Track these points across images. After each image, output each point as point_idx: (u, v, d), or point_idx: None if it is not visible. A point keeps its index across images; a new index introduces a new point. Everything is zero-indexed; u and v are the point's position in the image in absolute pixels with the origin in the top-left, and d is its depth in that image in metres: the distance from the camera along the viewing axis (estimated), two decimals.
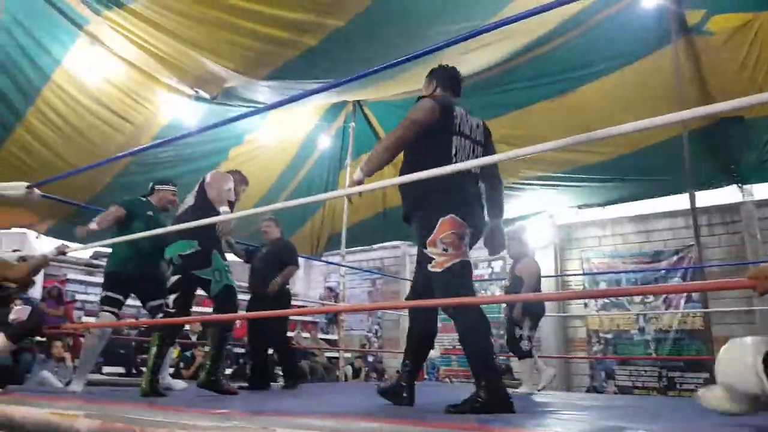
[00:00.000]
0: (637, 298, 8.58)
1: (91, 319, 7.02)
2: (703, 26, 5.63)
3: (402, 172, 2.55)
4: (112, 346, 5.90)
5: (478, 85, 6.37)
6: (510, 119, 6.75)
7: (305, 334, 9.61)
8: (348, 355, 9.36)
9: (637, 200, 8.14)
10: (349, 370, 8.94)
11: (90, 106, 5.64)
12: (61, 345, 6.13)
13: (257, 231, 5.31)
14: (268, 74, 5.42)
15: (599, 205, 8.44)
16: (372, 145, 2.91)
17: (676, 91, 5.54)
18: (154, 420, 1.82)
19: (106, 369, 6.49)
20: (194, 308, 4.25)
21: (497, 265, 9.68)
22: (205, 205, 3.50)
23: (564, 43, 5.82)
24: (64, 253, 3.48)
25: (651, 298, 8.45)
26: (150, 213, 4.01)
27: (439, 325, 2.87)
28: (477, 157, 2.65)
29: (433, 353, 8.66)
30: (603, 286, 8.66)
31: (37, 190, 3.78)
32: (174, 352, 6.36)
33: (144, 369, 3.73)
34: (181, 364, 6.98)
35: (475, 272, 9.88)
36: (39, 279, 6.80)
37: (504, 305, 5.82)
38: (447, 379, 9.85)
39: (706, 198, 7.58)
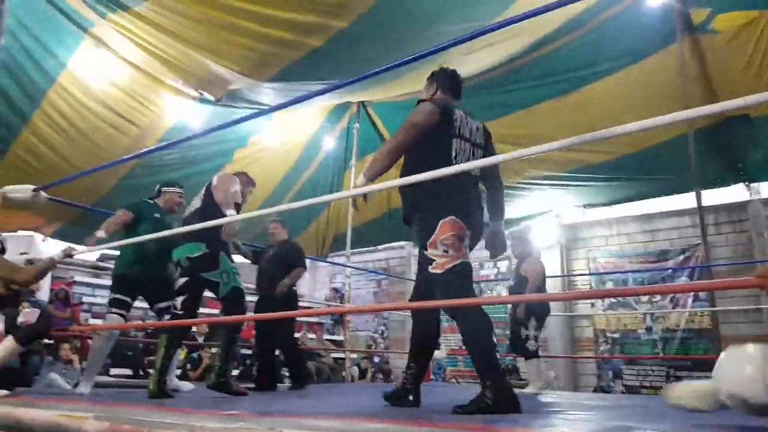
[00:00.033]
0: (645, 298, 8.54)
1: (98, 322, 7.05)
2: (709, 25, 5.61)
3: (402, 175, 2.55)
4: (120, 347, 5.93)
5: (482, 84, 6.36)
6: (515, 119, 6.74)
7: (311, 335, 9.61)
8: (354, 355, 9.35)
9: (643, 199, 8.11)
10: (355, 370, 8.94)
11: (95, 109, 5.66)
12: (69, 347, 6.15)
13: (263, 232, 5.33)
14: (273, 76, 5.44)
15: (605, 204, 8.41)
16: (376, 146, 2.92)
17: (681, 90, 5.51)
18: (162, 422, 1.83)
19: (113, 371, 6.51)
20: (200, 310, 4.25)
21: (503, 265, 9.66)
22: (212, 208, 3.51)
23: (569, 43, 5.81)
24: (70, 256, 3.50)
25: (658, 297, 8.42)
26: (157, 215, 4.03)
27: (445, 325, 2.87)
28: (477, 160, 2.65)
29: (440, 354, 8.70)
30: (610, 285, 8.63)
31: (43, 193, 3.80)
32: (181, 354, 6.38)
33: (151, 371, 3.75)
34: (188, 366, 7.00)
35: (481, 272, 9.89)
36: (46, 281, 6.85)
37: (510, 305, 5.82)
38: (454, 380, 9.84)
39: (713, 197, 7.54)
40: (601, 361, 8.77)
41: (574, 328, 9.11)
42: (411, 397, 2.67)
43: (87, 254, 4.13)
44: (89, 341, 6.59)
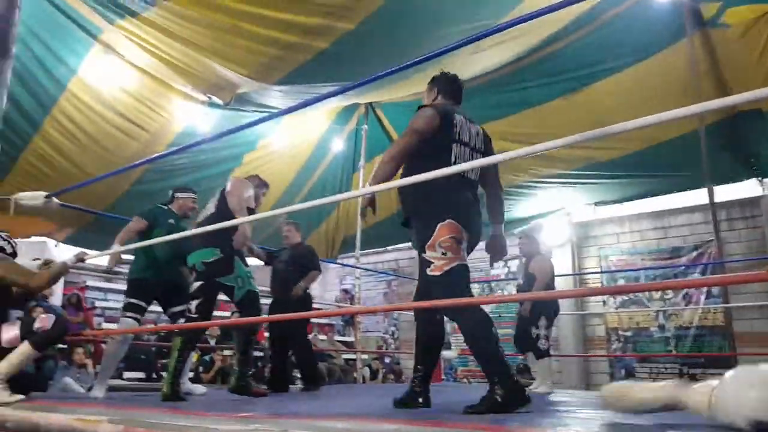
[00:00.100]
0: (657, 295, 8.48)
1: (112, 326, 7.10)
2: (719, 19, 5.55)
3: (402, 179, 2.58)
4: (133, 351, 5.97)
5: (491, 83, 6.34)
6: (524, 117, 6.71)
7: (322, 337, 9.63)
8: (365, 356, 9.36)
9: (654, 196, 8.05)
10: (366, 371, 8.94)
11: (105, 115, 5.70)
12: (82, 351, 6.20)
13: (275, 233, 5.36)
14: (281, 79, 5.45)
15: (616, 201, 8.36)
16: (385, 147, 2.93)
17: (692, 85, 5.47)
18: (176, 424, 1.84)
19: (126, 374, 6.56)
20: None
21: (513, 264, 9.62)
22: (225, 213, 3.54)
23: (577, 40, 5.77)
24: (83, 261, 3.53)
25: (670, 294, 8.35)
26: (171, 221, 4.06)
27: (455, 325, 2.87)
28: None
29: (451, 354, 8.69)
30: (622, 283, 8.59)
31: (55, 199, 3.84)
32: (193, 357, 6.42)
33: (164, 374, 3.78)
34: (201, 369, 7.03)
35: (492, 272, 9.86)
36: (59, 286, 6.91)
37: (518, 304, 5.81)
38: (465, 380, 9.82)
39: (725, 192, 7.47)
40: (614, 359, 8.72)
41: (586, 326, 9.06)
42: (421, 399, 2.68)
43: (99, 259, 4.17)
44: (102, 345, 6.66)
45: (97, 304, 7.93)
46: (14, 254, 3.27)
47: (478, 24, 4.79)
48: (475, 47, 4.93)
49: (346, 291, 11.10)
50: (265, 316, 4.40)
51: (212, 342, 7.51)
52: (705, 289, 8.00)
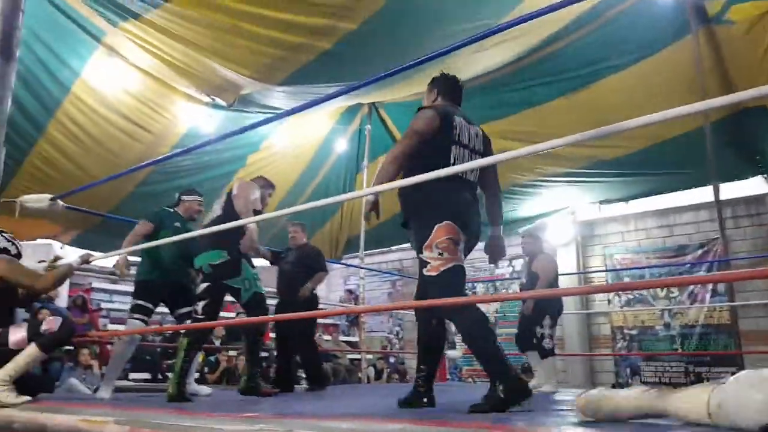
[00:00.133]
0: (662, 294, 8.46)
1: (117, 327, 7.13)
2: (724, 15, 5.52)
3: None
4: (139, 352, 5.98)
5: (493, 83, 6.33)
6: (527, 117, 6.70)
7: (326, 337, 9.64)
8: (370, 356, 9.36)
9: (659, 194, 8.02)
10: (371, 371, 8.95)
11: (109, 117, 5.72)
12: (88, 353, 6.23)
13: (279, 233, 5.37)
14: (284, 79, 5.45)
15: (621, 200, 8.33)
16: (388, 147, 2.94)
17: (697, 82, 5.44)
18: (181, 425, 1.85)
19: (132, 375, 6.58)
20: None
21: (518, 264, 9.61)
22: (232, 216, 3.55)
23: (580, 39, 5.75)
24: (88, 262, 3.55)
25: (676, 293, 8.33)
26: (177, 224, 4.07)
27: None
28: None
29: (456, 353, 8.69)
30: (626, 281, 8.57)
31: (60, 202, 3.86)
32: (199, 357, 6.44)
33: (170, 374, 3.80)
34: (206, 369, 7.05)
35: (496, 271, 9.85)
36: (64, 288, 6.94)
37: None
38: (470, 379, 9.81)
39: (731, 190, 7.44)
40: (619, 358, 8.70)
41: (591, 325, 9.05)
42: (425, 399, 2.69)
43: (105, 260, 4.19)
44: (108, 347, 6.68)
45: (103, 305, 7.95)
46: (19, 255, 3.28)
47: (479, 23, 4.78)
48: (477, 46, 4.92)
49: (350, 291, 11.11)
50: (270, 316, 4.42)
51: (217, 343, 7.53)
52: (710, 287, 7.98)
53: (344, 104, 7.23)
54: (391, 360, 10.29)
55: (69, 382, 5.58)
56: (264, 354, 7.30)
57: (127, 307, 4.21)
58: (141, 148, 6.08)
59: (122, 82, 5.56)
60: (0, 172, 3.41)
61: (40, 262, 5.53)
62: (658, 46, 5.83)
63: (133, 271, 4.23)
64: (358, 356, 8.82)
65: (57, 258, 3.59)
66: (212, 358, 7.27)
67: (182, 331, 3.79)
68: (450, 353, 7.75)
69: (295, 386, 5.16)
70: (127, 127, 5.89)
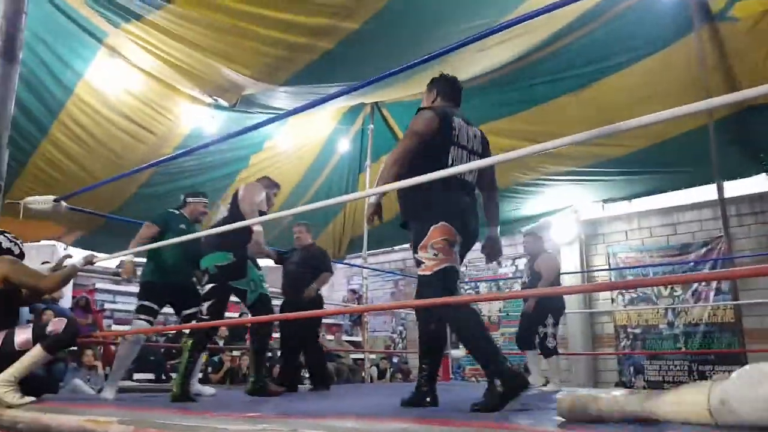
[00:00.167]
0: (666, 292, 8.43)
1: (120, 328, 7.14)
2: (728, 12, 5.49)
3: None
4: (143, 352, 5.99)
5: (497, 81, 6.32)
6: (531, 115, 6.69)
7: (330, 337, 9.65)
8: (373, 356, 9.37)
9: (663, 192, 8.00)
10: (374, 371, 8.95)
11: (112, 118, 5.73)
12: (92, 353, 6.23)
13: (282, 233, 5.38)
14: (286, 80, 5.46)
15: (625, 198, 8.31)
16: (391, 147, 2.95)
17: (700, 80, 5.42)
18: (185, 425, 1.85)
19: (136, 375, 6.59)
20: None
21: (521, 263, 9.60)
22: (238, 218, 3.58)
23: (583, 36, 5.73)
24: (92, 263, 3.56)
25: (680, 291, 8.31)
26: (183, 226, 4.09)
27: None
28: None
29: (459, 353, 8.67)
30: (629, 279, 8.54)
31: (64, 203, 3.87)
32: (202, 357, 6.46)
33: (173, 375, 3.82)
34: (209, 369, 7.06)
35: (500, 270, 9.85)
36: (68, 289, 6.95)
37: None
38: (473, 378, 9.80)
39: (735, 188, 7.42)
40: (622, 357, 8.68)
41: (595, 324, 9.03)
42: (428, 398, 2.69)
43: (108, 261, 4.21)
44: (112, 347, 6.69)
45: (107, 306, 7.97)
46: (22, 255, 3.29)
47: (482, 22, 4.78)
48: (480, 45, 4.92)
49: (353, 291, 11.11)
50: (274, 315, 4.44)
51: (221, 343, 7.55)
52: (714, 285, 7.95)
53: (346, 104, 7.23)
54: (395, 360, 10.29)
55: (73, 382, 5.58)
56: (268, 354, 7.32)
57: (131, 307, 4.23)
58: (144, 149, 6.09)
59: (125, 84, 5.57)
60: (4, 174, 3.42)
61: (44, 263, 5.55)
62: (662, 43, 5.81)
63: (138, 271, 4.25)
64: (361, 356, 8.83)
65: (66, 257, 3.59)
66: (216, 358, 7.28)
67: (187, 332, 3.80)
68: (454, 353, 7.74)
69: (299, 386, 5.17)
70: (130, 128, 5.90)
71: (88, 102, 5.48)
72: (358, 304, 9.52)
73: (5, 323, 3.04)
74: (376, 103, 7.67)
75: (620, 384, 8.42)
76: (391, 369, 9.77)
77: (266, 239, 4.91)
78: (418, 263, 2.59)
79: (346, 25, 4.69)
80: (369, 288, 8.25)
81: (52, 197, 3.83)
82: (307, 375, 6.14)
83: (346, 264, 9.49)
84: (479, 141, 2.83)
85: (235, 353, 7.40)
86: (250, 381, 3.85)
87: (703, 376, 7.85)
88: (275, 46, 4.91)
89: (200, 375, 5.32)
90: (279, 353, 5.25)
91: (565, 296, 5.83)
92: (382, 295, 11.23)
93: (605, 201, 8.56)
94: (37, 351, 2.92)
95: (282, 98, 6.02)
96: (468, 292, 10.02)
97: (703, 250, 8.21)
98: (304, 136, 7.50)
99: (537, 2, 4.29)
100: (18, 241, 3.31)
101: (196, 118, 6.16)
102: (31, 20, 3.88)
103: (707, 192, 7.32)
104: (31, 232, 6.19)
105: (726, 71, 5.97)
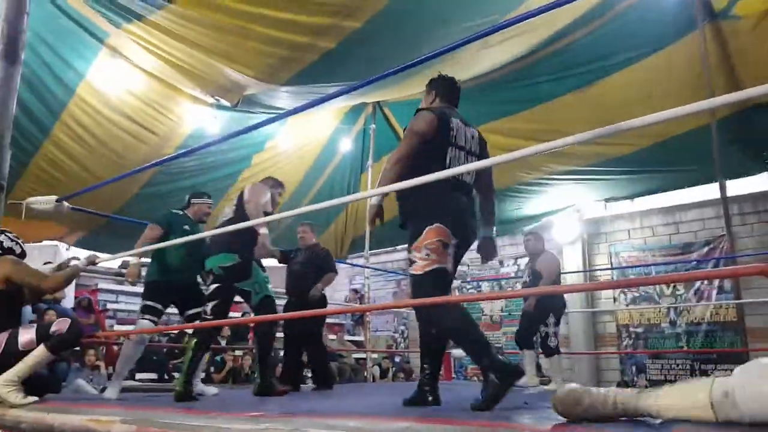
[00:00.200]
0: (668, 291, 8.42)
1: (123, 328, 7.15)
2: (730, 10, 5.48)
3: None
4: (145, 352, 6.01)
5: (500, 80, 6.32)
6: (534, 114, 6.68)
7: (332, 336, 9.65)
8: (375, 355, 9.37)
9: (665, 191, 7.99)
10: (376, 370, 8.95)
11: (114, 119, 5.74)
12: (94, 353, 6.24)
13: (284, 233, 5.38)
14: (288, 79, 5.46)
15: (627, 197, 8.30)
16: (393, 146, 2.95)
17: (704, 78, 5.41)
18: (188, 424, 1.85)
19: (139, 375, 6.60)
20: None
21: (523, 262, 9.59)
22: (243, 219, 3.58)
23: (587, 35, 5.72)
24: (94, 263, 3.56)
25: (682, 290, 8.30)
26: (186, 227, 4.09)
27: None
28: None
29: (461, 352, 8.67)
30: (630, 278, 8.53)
31: (66, 203, 3.87)
32: (205, 357, 6.46)
33: (176, 374, 3.83)
34: (212, 369, 7.06)
35: (502, 270, 9.84)
36: (70, 289, 6.96)
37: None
38: (475, 378, 9.79)
39: (737, 187, 7.40)
40: (625, 356, 8.67)
41: (597, 323, 9.02)
42: (430, 397, 2.70)
43: (111, 261, 4.22)
44: (114, 347, 6.70)
45: (109, 306, 7.98)
46: (23, 254, 3.30)
47: (485, 20, 4.77)
48: (483, 43, 4.91)
49: (355, 291, 11.11)
50: (278, 315, 4.45)
51: (223, 343, 7.55)
52: (716, 284, 7.94)
53: (348, 104, 7.23)
54: (397, 359, 10.29)
55: (76, 382, 5.59)
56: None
57: (133, 307, 4.25)
58: (146, 150, 6.09)
59: (126, 84, 5.58)
60: (6, 175, 3.42)
61: (46, 263, 5.56)
62: (665, 42, 5.80)
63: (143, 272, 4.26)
64: (363, 355, 8.83)
65: (72, 259, 3.60)
66: (218, 358, 7.28)
67: (190, 331, 3.81)
68: (455, 352, 7.74)
69: (301, 385, 5.17)
70: (132, 128, 5.91)
71: (89, 102, 5.49)
72: (360, 303, 9.52)
73: (8, 323, 3.04)
74: (378, 102, 7.67)
75: (622, 383, 8.41)
76: (393, 368, 9.77)
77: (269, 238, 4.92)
78: (411, 262, 2.62)
79: (347, 24, 4.69)
80: (371, 288, 8.25)
81: (54, 197, 3.83)
82: (309, 374, 6.14)
83: (348, 264, 9.48)
84: (477, 142, 2.84)
85: (238, 353, 7.40)
86: (256, 382, 3.87)
87: (705, 375, 7.80)
88: (277, 46, 4.91)
89: (203, 375, 5.33)
90: (282, 352, 5.25)
91: (567, 295, 5.83)
92: (384, 294, 11.23)
93: (608, 200, 8.56)
94: (40, 351, 2.92)
95: (284, 98, 6.02)
96: (470, 291, 10.02)
97: (706, 249, 8.19)
98: (306, 136, 7.51)
99: (539, 0, 4.29)
100: (19, 240, 3.32)
101: (198, 118, 6.16)
102: (33, 21, 3.88)
103: (710, 191, 7.30)
104: (34, 233, 6.20)
105: (729, 70, 5.96)
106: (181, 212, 4.25)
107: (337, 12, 4.56)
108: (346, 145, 8.02)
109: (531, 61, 6.14)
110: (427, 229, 2.57)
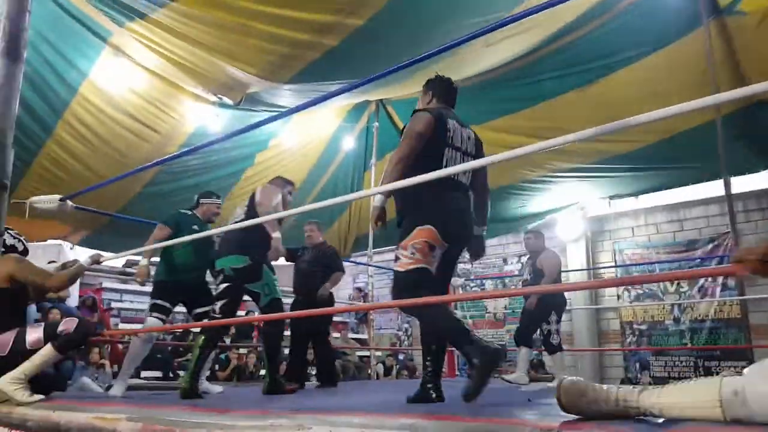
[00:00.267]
0: (672, 288, 8.41)
1: (127, 326, 7.17)
2: (736, 6, 5.45)
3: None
4: (150, 350, 6.04)
5: (503, 77, 6.29)
6: (538, 111, 6.65)
7: (336, 334, 9.66)
8: (379, 353, 9.38)
9: (670, 189, 7.95)
10: (380, 368, 8.97)
11: (117, 117, 5.74)
12: (98, 351, 6.26)
13: (289, 230, 5.40)
14: (291, 78, 5.45)
15: (631, 195, 8.28)
16: (396, 145, 2.96)
17: (709, 75, 5.38)
18: (194, 421, 1.85)
19: (144, 373, 6.62)
20: None
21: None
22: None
23: (591, 31, 5.69)
24: (98, 262, 3.57)
25: (686, 287, 8.28)
26: (195, 227, 4.12)
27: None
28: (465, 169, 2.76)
29: None
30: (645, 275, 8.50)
31: (69, 202, 3.88)
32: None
33: (181, 372, 3.85)
34: (217, 367, 7.09)
35: (505, 268, 9.84)
36: (75, 288, 6.99)
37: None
38: None
39: (742, 183, 7.37)
40: (628, 353, 8.66)
41: (601, 320, 9.01)
42: (434, 394, 2.71)
43: (115, 260, 4.24)
44: (119, 346, 6.72)
45: (114, 305, 8.01)
46: (25, 252, 3.31)
47: (488, 17, 4.76)
48: (486, 40, 4.90)
49: (359, 289, 11.12)
50: (284, 313, 4.47)
51: (228, 341, 7.57)
52: (720, 281, 7.93)
53: (351, 101, 7.22)
54: (400, 357, 10.30)
55: (81, 380, 5.61)
56: None
57: (138, 306, 4.27)
58: (148, 148, 6.09)
59: (129, 82, 5.58)
60: (9, 174, 3.43)
61: (50, 262, 5.58)
62: (669, 39, 5.76)
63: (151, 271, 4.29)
64: (367, 353, 8.84)
65: (80, 258, 3.64)
66: (223, 356, 7.30)
67: (197, 329, 3.85)
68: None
69: (306, 383, 5.19)
70: (135, 126, 5.91)
71: (92, 101, 5.49)
72: (364, 302, 9.53)
73: (12, 322, 3.05)
74: (381, 100, 7.66)
75: (626, 380, 8.41)
76: (397, 366, 9.79)
77: None
78: (396, 258, 2.67)
79: (350, 21, 4.67)
80: (375, 286, 8.25)
81: (57, 196, 3.84)
82: (313, 372, 6.15)
83: (351, 262, 9.49)
84: (473, 143, 2.88)
85: (242, 351, 7.42)
86: (265, 381, 3.91)
87: (709, 372, 7.82)
88: (279, 44, 4.90)
89: (207, 372, 5.35)
90: (286, 350, 5.26)
91: (570, 292, 5.85)
92: (387, 293, 11.20)
93: (612, 197, 8.53)
94: (48, 350, 2.93)
95: (287, 96, 6.01)
96: (474, 289, 10.02)
97: (710, 246, 8.18)
98: (309, 135, 7.50)
99: None
100: (21, 238, 3.33)
101: (201, 117, 6.16)
102: (35, 19, 3.88)
103: (714, 188, 7.28)
104: (37, 232, 6.21)
105: (734, 66, 5.92)
106: (190, 212, 4.28)
107: (339, 9, 4.55)
108: (350, 143, 8.01)
109: (534, 59, 6.10)
110: (417, 228, 2.61)
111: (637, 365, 8.59)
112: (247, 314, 6.89)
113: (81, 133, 5.66)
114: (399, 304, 2.78)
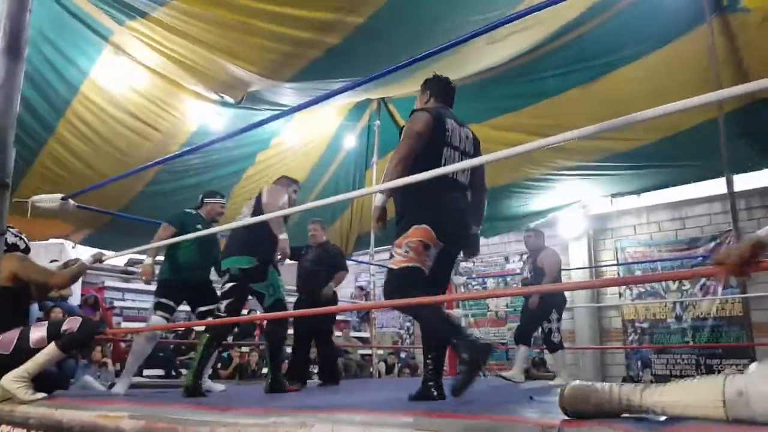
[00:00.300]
0: (674, 286, 8.40)
1: (130, 325, 7.18)
2: (739, 3, 5.43)
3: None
4: (153, 349, 6.05)
5: (506, 75, 6.27)
6: (540, 109, 6.64)
7: (337, 333, 9.67)
8: (381, 352, 9.39)
9: (672, 186, 7.93)
10: (382, 366, 8.98)
11: (118, 116, 5.74)
12: (100, 350, 6.27)
13: (290, 228, 5.39)
14: (292, 76, 5.44)
15: (633, 193, 8.26)
16: (397, 143, 2.96)
17: (711, 72, 5.37)
18: (196, 419, 1.85)
19: (146, 372, 6.63)
20: None
21: None
22: (261, 222, 3.60)
23: (593, 29, 5.67)
24: (100, 261, 3.58)
25: (688, 285, 8.28)
26: (199, 226, 4.12)
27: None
28: (464, 169, 2.78)
29: None
30: (638, 275, 8.50)
31: (71, 201, 3.88)
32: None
33: (184, 370, 3.87)
34: (219, 365, 7.09)
35: (507, 266, 9.83)
36: (77, 286, 6.99)
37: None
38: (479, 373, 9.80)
39: (745, 181, 7.36)
40: (630, 351, 8.66)
41: (602, 318, 9.01)
42: (435, 392, 2.72)
43: (117, 259, 4.26)
44: (121, 344, 6.73)
45: (116, 303, 8.02)
46: (27, 250, 3.32)
47: (488, 15, 4.75)
48: (489, 38, 4.88)
49: (361, 288, 11.12)
50: (287, 312, 4.48)
51: (230, 339, 7.58)
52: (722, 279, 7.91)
53: (353, 100, 7.21)
54: (402, 355, 10.31)
55: (83, 379, 5.62)
56: None
57: (140, 304, 4.28)
58: (150, 147, 6.09)
59: (130, 81, 5.57)
60: (11, 173, 3.43)
61: (52, 261, 5.58)
62: (671, 36, 5.73)
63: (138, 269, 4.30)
64: (369, 352, 8.85)
65: (77, 260, 3.64)
66: (225, 354, 7.31)
67: (201, 328, 3.87)
68: None
69: (308, 381, 5.19)
70: (136, 125, 5.91)
71: (93, 100, 5.49)
72: (366, 300, 9.53)
73: (15, 320, 3.06)
74: (383, 99, 7.65)
75: (627, 378, 8.41)
76: (399, 364, 9.79)
77: None
78: (391, 255, 2.69)
79: (350, 19, 4.66)
80: (377, 284, 8.24)
81: (59, 195, 3.84)
82: (315, 370, 6.15)
83: (353, 261, 9.49)
84: (471, 142, 2.89)
85: (244, 349, 7.43)
86: (267, 380, 3.93)
87: (710, 370, 7.82)
88: (280, 42, 4.89)
89: (210, 371, 5.35)
90: (288, 349, 5.27)
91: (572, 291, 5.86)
92: None
93: (614, 195, 8.51)
94: (51, 349, 2.93)
95: (288, 95, 6.00)
96: (475, 287, 10.01)
97: (712, 244, 8.17)
98: (311, 133, 7.49)
99: None
100: (23, 236, 3.33)
101: (202, 115, 6.16)
102: (36, 18, 3.87)
103: (716, 186, 7.26)
104: (39, 231, 6.21)
105: (737, 63, 5.89)
106: (194, 212, 4.30)
107: (340, 7, 4.54)
108: (351, 141, 8.01)
109: (536, 56, 6.09)
110: (414, 227, 2.62)
111: (639, 363, 8.59)
112: (249, 313, 6.90)
113: (82, 131, 5.66)
114: (399, 304, 2.78)
